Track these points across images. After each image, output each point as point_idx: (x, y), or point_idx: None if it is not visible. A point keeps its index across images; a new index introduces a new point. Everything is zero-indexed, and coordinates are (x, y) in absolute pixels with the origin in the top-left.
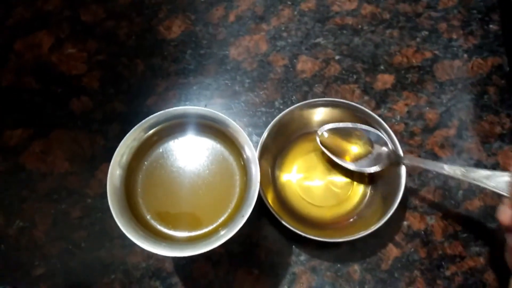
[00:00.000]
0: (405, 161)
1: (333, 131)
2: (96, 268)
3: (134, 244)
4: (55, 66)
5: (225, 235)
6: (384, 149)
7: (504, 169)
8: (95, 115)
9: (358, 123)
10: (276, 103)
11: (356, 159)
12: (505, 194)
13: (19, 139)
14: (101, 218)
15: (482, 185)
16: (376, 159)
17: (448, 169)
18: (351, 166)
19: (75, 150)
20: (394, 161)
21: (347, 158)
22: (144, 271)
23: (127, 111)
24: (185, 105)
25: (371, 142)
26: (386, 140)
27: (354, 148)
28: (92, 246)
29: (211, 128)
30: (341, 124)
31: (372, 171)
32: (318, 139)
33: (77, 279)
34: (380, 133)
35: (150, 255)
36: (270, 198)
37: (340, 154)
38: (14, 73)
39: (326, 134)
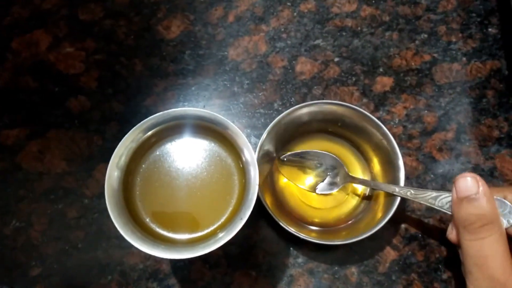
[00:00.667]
0: (363, 183)
1: (292, 156)
2: (93, 269)
3: (131, 245)
4: (53, 65)
5: (224, 238)
6: (339, 171)
7: (502, 174)
8: (92, 114)
9: (357, 125)
10: (275, 105)
11: (315, 183)
12: (449, 213)
13: (16, 139)
14: (98, 219)
15: (430, 205)
16: (331, 183)
17: (399, 190)
18: (310, 189)
19: (73, 150)
20: (348, 182)
21: (304, 182)
22: (141, 272)
23: (125, 111)
24: (183, 105)
25: (327, 165)
26: (340, 163)
27: (312, 172)
28: (89, 246)
29: (210, 130)
30: (299, 151)
31: (328, 193)
32: (278, 167)
33: (73, 280)
34: (334, 156)
35: (148, 256)
36: (268, 200)
37: (298, 179)
38: (11, 72)
39: (285, 159)
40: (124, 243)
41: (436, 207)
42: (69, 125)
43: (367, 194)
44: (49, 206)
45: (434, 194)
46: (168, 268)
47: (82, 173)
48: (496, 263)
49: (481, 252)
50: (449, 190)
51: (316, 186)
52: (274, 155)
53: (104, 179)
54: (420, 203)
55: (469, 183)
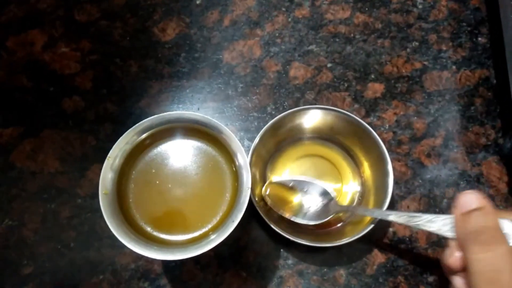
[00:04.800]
0: (356, 211)
1: (279, 183)
2: (84, 268)
3: (124, 245)
4: (48, 64)
5: (216, 240)
6: (329, 201)
7: (488, 181)
8: (87, 115)
9: (348, 130)
10: (268, 109)
11: (302, 211)
12: (449, 236)
13: (9, 137)
14: (91, 218)
15: (426, 229)
16: (322, 211)
17: (394, 216)
18: (297, 220)
19: (66, 150)
20: (339, 211)
21: (291, 210)
22: (133, 272)
23: (119, 112)
24: (178, 107)
25: (317, 194)
26: (331, 193)
27: (299, 200)
28: (81, 246)
29: (205, 133)
30: (288, 178)
31: (316, 223)
32: (267, 192)
33: (65, 279)
34: (326, 188)
35: (140, 256)
36: (259, 202)
37: (284, 206)
38: (6, 71)
39: (272, 186)
40: (116, 243)
41: (433, 231)
42: (63, 124)
43: (356, 198)
44: (41, 205)
45: (431, 216)
46: (159, 268)
47: (75, 173)
48: (511, 277)
49: (494, 266)
50: (444, 214)
51: (302, 213)
52: (268, 157)
53: (97, 179)
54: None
55: (472, 196)
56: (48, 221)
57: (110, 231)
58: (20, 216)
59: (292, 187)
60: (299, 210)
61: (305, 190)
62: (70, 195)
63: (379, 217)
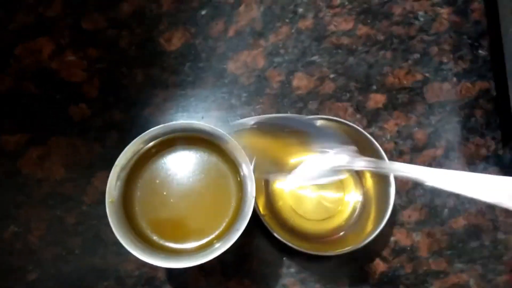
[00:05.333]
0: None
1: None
2: (89, 275)
3: (128, 252)
4: (55, 72)
5: (220, 248)
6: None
7: None
8: (93, 122)
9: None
10: None
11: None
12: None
13: (16, 144)
14: (96, 225)
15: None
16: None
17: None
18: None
19: (72, 157)
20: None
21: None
22: (137, 279)
23: (125, 120)
24: (182, 116)
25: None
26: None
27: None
28: (86, 252)
29: (210, 143)
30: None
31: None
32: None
33: (70, 285)
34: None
35: (144, 263)
36: (262, 210)
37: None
38: (14, 78)
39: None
40: (120, 250)
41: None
42: (69, 132)
43: (358, 208)
44: (47, 212)
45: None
46: (163, 275)
47: (81, 180)
48: None
49: None
50: (445, 223)
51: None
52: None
53: (103, 187)
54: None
55: None
56: (53, 228)
57: (115, 238)
58: (25, 223)
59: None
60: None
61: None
62: (76, 202)
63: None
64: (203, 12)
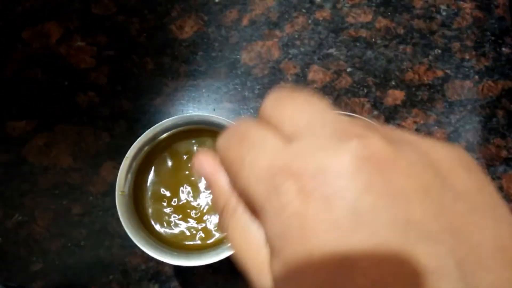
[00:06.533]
0: None
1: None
2: (94, 267)
3: (135, 245)
4: (63, 58)
5: (231, 247)
6: None
7: (508, 194)
8: (101, 111)
9: None
10: None
11: None
12: None
13: (22, 131)
14: (102, 217)
15: None
16: None
17: None
18: None
19: (79, 146)
20: None
21: None
22: (143, 274)
23: (134, 109)
24: (193, 107)
25: None
26: None
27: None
28: (91, 244)
29: None
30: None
31: None
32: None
33: (74, 277)
34: None
35: (151, 257)
36: None
37: None
38: (21, 62)
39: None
40: (127, 243)
41: None
42: (77, 120)
43: None
44: (53, 201)
45: None
46: (170, 270)
47: (88, 169)
48: None
49: None
50: None
51: None
52: None
53: (110, 177)
54: None
55: None
56: (59, 218)
57: (122, 231)
58: (30, 212)
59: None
60: None
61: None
62: (82, 192)
63: None
64: (217, 0)
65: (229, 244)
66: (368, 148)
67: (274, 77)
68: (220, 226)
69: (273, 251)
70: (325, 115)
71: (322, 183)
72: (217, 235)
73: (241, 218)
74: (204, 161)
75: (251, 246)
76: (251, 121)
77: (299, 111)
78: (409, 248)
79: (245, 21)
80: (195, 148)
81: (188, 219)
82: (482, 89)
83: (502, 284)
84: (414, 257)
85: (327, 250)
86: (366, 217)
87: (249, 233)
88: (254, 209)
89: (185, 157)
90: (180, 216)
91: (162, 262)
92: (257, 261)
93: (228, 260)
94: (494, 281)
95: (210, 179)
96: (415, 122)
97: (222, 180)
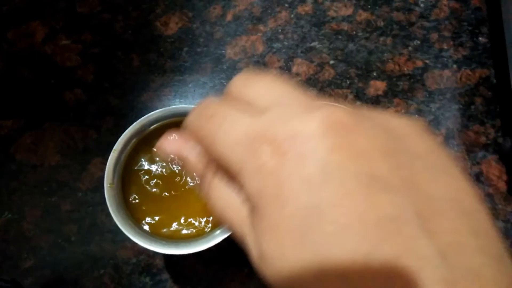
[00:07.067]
0: None
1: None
2: (85, 262)
3: (125, 239)
4: (49, 57)
5: (220, 235)
6: None
7: (488, 179)
8: (88, 108)
9: None
10: None
11: None
12: None
13: (10, 130)
14: (92, 212)
15: None
16: None
17: None
18: None
19: (67, 143)
20: None
21: None
22: (134, 267)
23: (121, 105)
24: (180, 102)
25: None
26: None
27: None
28: (82, 239)
29: None
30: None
31: None
32: None
33: (66, 273)
34: None
35: (141, 250)
36: None
37: None
38: (7, 62)
39: None
40: (117, 237)
41: None
42: (64, 117)
43: None
44: (42, 198)
45: None
46: (161, 263)
47: (77, 166)
48: None
49: None
50: None
51: None
52: None
53: (98, 173)
54: None
55: None
56: (48, 215)
57: (112, 225)
58: (20, 209)
59: None
60: None
61: None
62: (71, 188)
63: None
64: None
65: (217, 233)
66: (332, 116)
67: (258, 70)
68: (202, 196)
69: (253, 208)
70: (292, 91)
71: (295, 145)
72: (208, 224)
73: (219, 186)
74: (167, 141)
75: (232, 208)
76: (217, 99)
77: (269, 88)
78: (372, 198)
79: (229, 17)
80: None
81: (176, 210)
82: (461, 78)
83: (458, 230)
84: (377, 205)
85: (300, 201)
86: (334, 172)
87: (228, 197)
88: (230, 175)
89: None
90: (168, 206)
91: (153, 255)
92: (239, 219)
93: (219, 252)
94: (451, 227)
95: (180, 156)
96: (396, 111)
97: (192, 154)
